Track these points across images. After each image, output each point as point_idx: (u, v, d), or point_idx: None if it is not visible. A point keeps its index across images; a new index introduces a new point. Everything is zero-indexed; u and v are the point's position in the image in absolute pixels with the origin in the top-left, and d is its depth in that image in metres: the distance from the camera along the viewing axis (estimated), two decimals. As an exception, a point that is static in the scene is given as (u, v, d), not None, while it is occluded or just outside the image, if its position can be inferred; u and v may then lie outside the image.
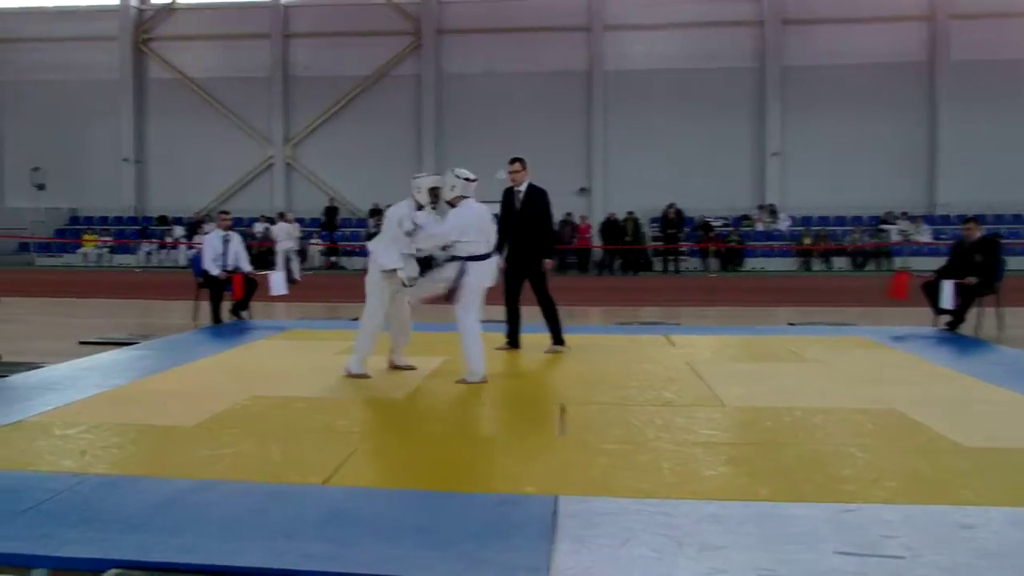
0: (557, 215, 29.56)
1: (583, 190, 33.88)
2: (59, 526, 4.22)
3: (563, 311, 9.81)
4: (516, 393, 7.62)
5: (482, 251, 7.70)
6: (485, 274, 7.72)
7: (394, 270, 7.97)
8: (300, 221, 32.78)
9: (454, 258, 7.67)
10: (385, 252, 7.98)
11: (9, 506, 4.51)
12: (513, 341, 9.70)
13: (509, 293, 9.56)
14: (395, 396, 7.38)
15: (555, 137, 33.55)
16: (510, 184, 9.43)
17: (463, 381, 7.62)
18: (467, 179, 7.80)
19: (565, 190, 32.76)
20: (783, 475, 5.09)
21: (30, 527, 4.21)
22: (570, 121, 33.88)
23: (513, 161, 9.40)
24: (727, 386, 7.80)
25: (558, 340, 9.59)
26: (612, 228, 30.52)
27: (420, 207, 8.01)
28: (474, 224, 7.70)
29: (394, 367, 8.53)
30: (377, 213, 31.89)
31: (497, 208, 9.28)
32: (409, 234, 7.80)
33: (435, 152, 34.11)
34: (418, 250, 7.90)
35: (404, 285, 7.92)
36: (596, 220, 31.79)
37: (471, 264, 7.64)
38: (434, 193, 8.01)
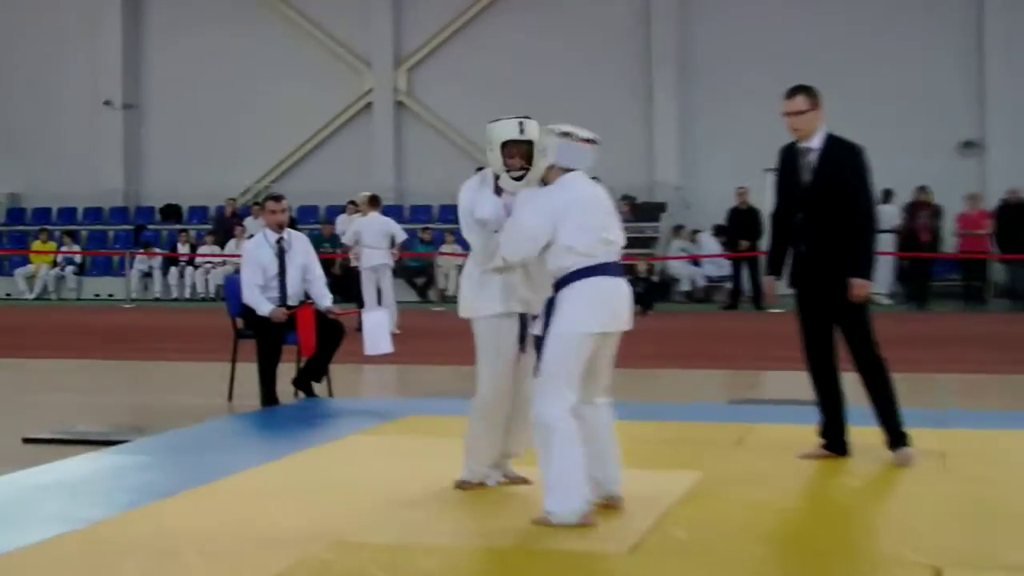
0: (907, 190, 18.94)
1: (969, 145, 20.77)
2: None
3: (924, 379, 7.78)
4: (848, 541, 5.37)
5: (592, 263, 5.08)
6: (596, 309, 5.04)
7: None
8: (424, 210, 22.78)
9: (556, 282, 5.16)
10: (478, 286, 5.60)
11: None
12: (833, 441, 6.79)
13: (812, 346, 6.77)
14: (607, 547, 4.91)
15: (904, 49, 20.79)
16: (792, 139, 6.72)
17: (540, 521, 5.00)
18: (567, 135, 5.25)
19: (931, 143, 20.41)
20: None
21: None
22: (935, 16, 20.74)
23: (792, 93, 6.69)
24: None
25: (896, 438, 6.70)
26: (1016, 216, 18.45)
27: (498, 177, 5.67)
28: (571, 215, 5.14)
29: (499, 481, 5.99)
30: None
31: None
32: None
33: (666, 85, 22.44)
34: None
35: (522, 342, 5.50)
36: (993, 201, 19.28)
37: (568, 292, 5.06)
38: (518, 151, 5.51)
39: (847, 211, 6.57)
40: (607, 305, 5.20)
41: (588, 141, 5.28)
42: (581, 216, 5.11)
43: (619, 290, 5.23)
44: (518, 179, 5.43)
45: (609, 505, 5.29)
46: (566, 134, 5.26)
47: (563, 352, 5.07)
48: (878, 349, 6.69)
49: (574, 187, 5.24)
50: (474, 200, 5.58)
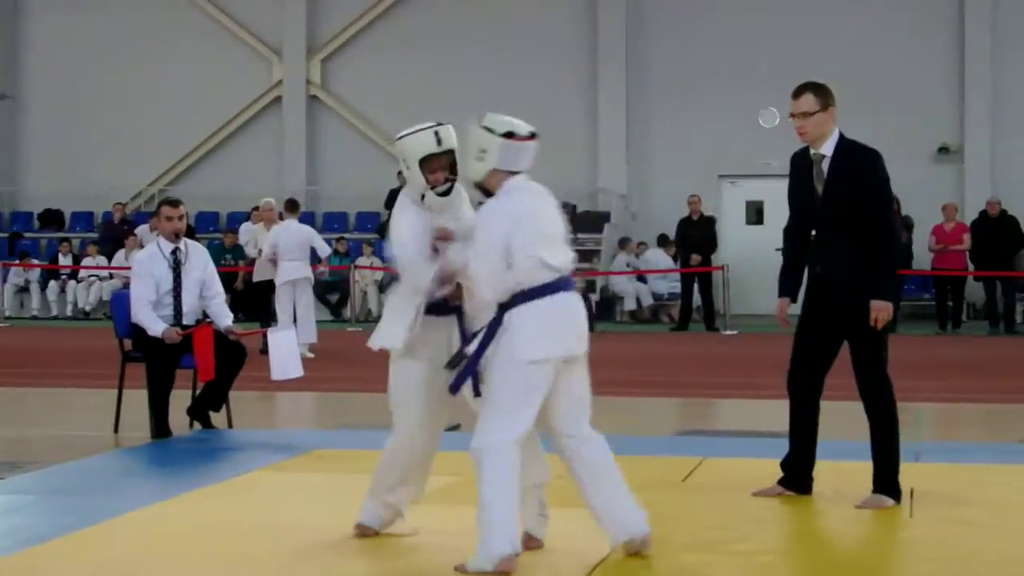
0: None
1: (944, 151, 21.07)
2: None
3: (913, 412, 7.40)
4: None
5: (547, 279, 5.00)
6: (552, 331, 4.92)
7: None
8: (339, 218, 22.59)
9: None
10: (390, 316, 5.57)
11: None
12: (796, 477, 6.67)
13: (803, 372, 6.68)
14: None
15: (879, 46, 20.93)
16: (802, 144, 6.67)
17: (461, 569, 5.07)
18: (511, 135, 5.12)
19: (905, 148, 19.45)
20: None
21: None
22: (924, 25, 21.04)
23: (800, 91, 6.56)
24: None
25: (885, 484, 6.56)
26: (994, 230, 18.16)
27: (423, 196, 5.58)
28: (521, 231, 5.10)
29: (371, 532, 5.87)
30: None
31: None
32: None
33: (613, 79, 22.07)
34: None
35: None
36: (971, 212, 19.44)
37: (518, 314, 4.94)
38: (439, 164, 5.49)
39: (865, 226, 6.49)
40: (565, 326, 5.06)
41: (530, 137, 5.14)
42: (532, 230, 5.04)
43: (578, 307, 5.17)
44: (444, 194, 5.31)
45: (632, 551, 5.15)
46: (509, 134, 5.10)
47: (513, 383, 4.91)
48: (889, 381, 6.57)
49: (522, 199, 5.14)
50: (406, 217, 5.51)
